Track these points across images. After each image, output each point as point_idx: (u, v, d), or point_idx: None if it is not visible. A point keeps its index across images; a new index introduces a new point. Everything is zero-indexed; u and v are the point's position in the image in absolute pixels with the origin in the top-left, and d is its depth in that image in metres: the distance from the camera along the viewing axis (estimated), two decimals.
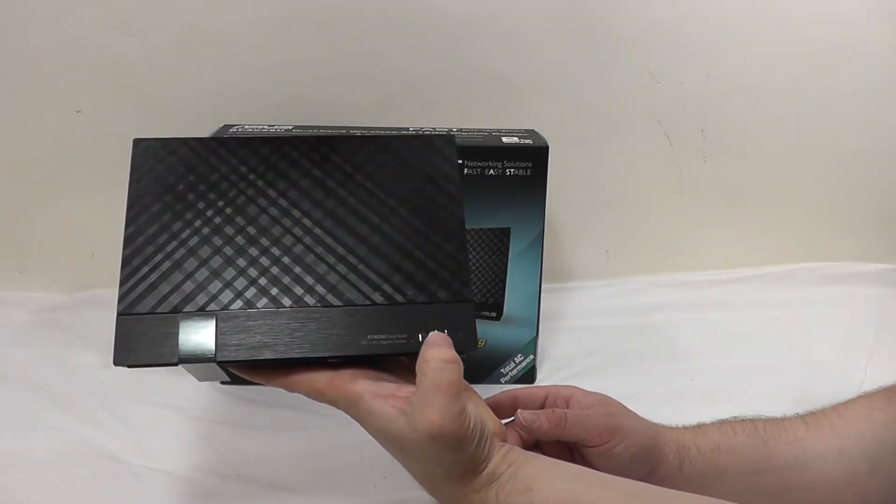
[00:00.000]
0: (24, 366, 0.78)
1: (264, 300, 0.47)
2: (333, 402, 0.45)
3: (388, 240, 0.50)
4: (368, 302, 0.48)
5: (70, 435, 0.68)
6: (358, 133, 0.72)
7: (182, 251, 0.48)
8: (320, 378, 0.45)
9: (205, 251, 0.48)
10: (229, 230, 0.49)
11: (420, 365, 0.43)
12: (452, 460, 0.42)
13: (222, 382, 0.75)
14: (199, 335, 0.45)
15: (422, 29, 0.84)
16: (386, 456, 0.45)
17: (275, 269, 0.48)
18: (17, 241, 0.92)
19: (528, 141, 0.70)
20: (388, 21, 0.84)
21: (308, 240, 0.49)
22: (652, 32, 0.87)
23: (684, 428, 0.54)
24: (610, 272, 0.99)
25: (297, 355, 0.46)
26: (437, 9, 0.84)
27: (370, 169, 0.52)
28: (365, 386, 0.44)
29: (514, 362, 0.77)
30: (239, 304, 0.47)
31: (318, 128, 0.76)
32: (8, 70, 0.84)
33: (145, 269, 0.47)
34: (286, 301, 0.47)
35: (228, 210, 0.50)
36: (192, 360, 0.45)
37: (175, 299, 0.46)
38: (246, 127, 0.76)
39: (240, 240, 0.49)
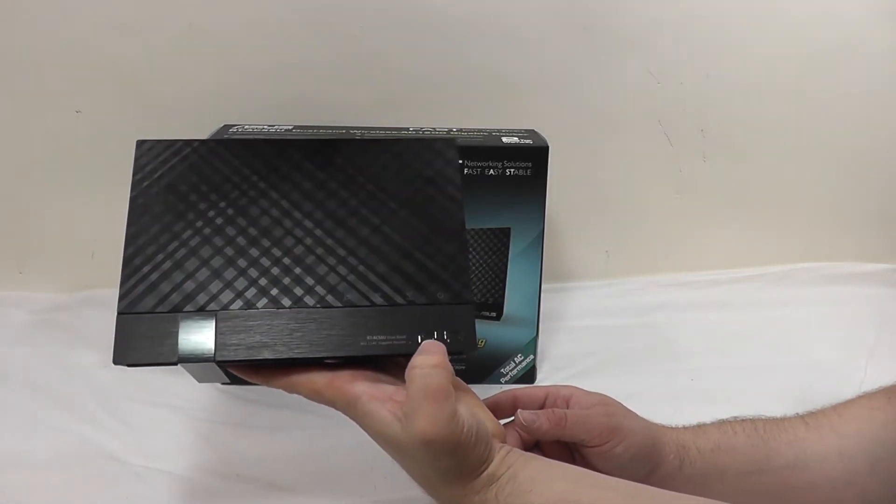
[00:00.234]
0: (24, 366, 0.78)
1: (264, 300, 0.47)
2: (332, 403, 0.45)
3: (388, 241, 0.50)
4: (368, 303, 0.48)
5: (70, 435, 0.68)
6: (358, 133, 0.72)
7: (183, 251, 0.48)
8: (319, 378, 0.45)
9: (206, 251, 0.48)
10: (231, 231, 0.49)
11: (407, 372, 0.43)
12: (449, 463, 0.42)
13: (222, 384, 0.75)
14: (199, 335, 0.45)
15: (422, 29, 0.84)
16: (385, 456, 0.45)
17: (275, 270, 0.48)
18: (17, 241, 0.92)
19: (528, 141, 0.70)
20: (388, 21, 0.84)
21: (309, 241, 0.49)
22: (652, 32, 0.87)
23: (684, 428, 0.54)
24: (610, 272, 0.99)
25: (296, 356, 0.46)
26: (437, 9, 0.84)
27: (372, 171, 0.52)
28: (363, 387, 0.44)
29: (514, 362, 0.77)
30: (239, 304, 0.47)
31: (319, 128, 0.75)
32: (8, 70, 0.84)
33: (146, 269, 0.47)
34: (286, 301, 0.47)
35: (230, 211, 0.50)
36: (192, 359, 0.45)
37: (175, 299, 0.46)
38: (246, 127, 0.76)
39: (241, 240, 0.49)
